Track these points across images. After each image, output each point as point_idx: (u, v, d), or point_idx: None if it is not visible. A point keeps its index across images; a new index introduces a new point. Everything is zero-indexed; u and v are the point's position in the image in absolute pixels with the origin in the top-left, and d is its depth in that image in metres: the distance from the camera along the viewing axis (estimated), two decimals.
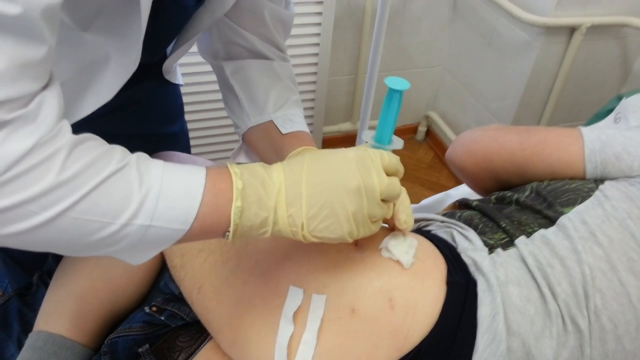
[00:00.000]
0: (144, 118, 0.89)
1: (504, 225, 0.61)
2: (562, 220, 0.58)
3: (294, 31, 0.92)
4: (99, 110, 0.63)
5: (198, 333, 0.66)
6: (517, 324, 0.53)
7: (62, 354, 0.66)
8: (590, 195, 0.60)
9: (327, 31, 1.70)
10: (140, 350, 0.65)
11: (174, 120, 0.98)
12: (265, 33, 0.77)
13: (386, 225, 0.60)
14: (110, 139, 0.45)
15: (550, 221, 0.59)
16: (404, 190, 0.54)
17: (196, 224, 0.44)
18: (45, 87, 0.40)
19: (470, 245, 0.59)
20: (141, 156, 0.45)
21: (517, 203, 0.65)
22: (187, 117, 1.03)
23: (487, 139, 0.73)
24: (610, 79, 1.76)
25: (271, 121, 0.76)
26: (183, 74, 1.00)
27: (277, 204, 0.47)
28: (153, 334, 0.67)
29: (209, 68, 0.84)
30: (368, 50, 1.54)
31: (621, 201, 0.58)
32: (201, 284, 0.64)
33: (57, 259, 0.79)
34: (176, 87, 0.94)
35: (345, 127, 2.11)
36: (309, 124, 1.96)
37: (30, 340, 0.67)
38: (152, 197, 0.42)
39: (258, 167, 0.49)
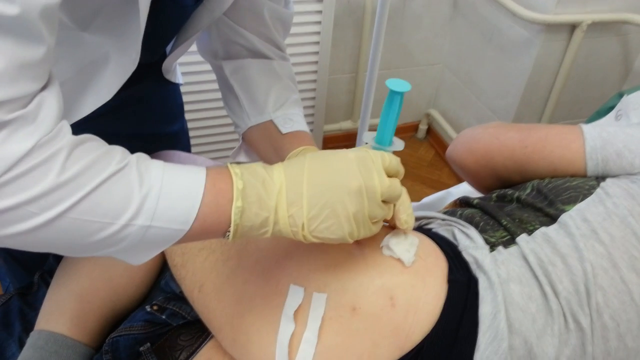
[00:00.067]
0: (144, 118, 0.89)
1: (505, 223, 0.61)
2: (564, 217, 0.58)
3: (294, 30, 0.92)
4: (99, 110, 0.63)
5: (199, 332, 0.66)
6: (518, 322, 0.52)
7: (64, 353, 0.66)
8: (591, 193, 0.60)
9: (327, 29, 1.70)
10: (141, 349, 0.65)
11: (174, 120, 0.98)
12: (265, 32, 0.77)
13: (387, 224, 0.60)
14: (110, 138, 0.45)
15: (552, 219, 0.59)
16: (404, 191, 0.54)
17: (196, 224, 0.44)
18: (44, 88, 0.40)
19: (471, 243, 0.59)
20: (141, 156, 0.45)
21: (518, 201, 0.65)
22: (187, 116, 1.03)
23: (488, 137, 0.73)
24: (612, 76, 1.76)
25: (271, 121, 0.76)
26: (183, 74, 1.00)
27: (278, 204, 0.47)
28: (154, 333, 0.67)
29: (209, 67, 0.84)
30: (368, 48, 1.53)
31: (622, 198, 0.58)
32: (202, 283, 0.64)
33: (58, 258, 0.79)
34: (176, 86, 0.94)
35: (345, 125, 2.11)
36: (310, 123, 1.96)
37: (31, 340, 0.67)
38: (153, 198, 0.42)
39: (259, 167, 0.49)
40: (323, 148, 1.83)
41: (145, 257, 0.46)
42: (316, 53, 1.76)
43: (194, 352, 0.64)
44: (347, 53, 1.89)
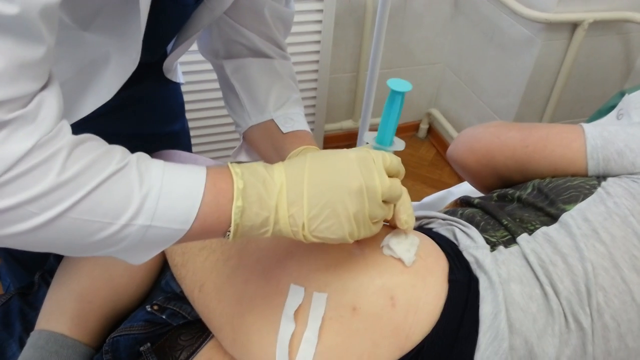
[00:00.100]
0: (145, 117, 0.89)
1: (505, 222, 0.61)
2: (564, 217, 0.58)
3: (294, 29, 0.92)
4: (99, 109, 0.63)
5: (199, 332, 0.66)
6: (519, 321, 0.52)
7: (64, 353, 0.66)
8: (592, 192, 0.60)
9: (328, 29, 1.70)
10: (141, 349, 0.65)
11: (174, 119, 0.98)
12: (266, 31, 0.77)
13: (387, 224, 0.59)
14: (111, 138, 0.45)
15: (552, 218, 0.59)
16: (405, 191, 0.54)
17: (197, 224, 0.44)
18: (44, 87, 0.40)
19: (472, 243, 0.58)
20: (141, 156, 0.45)
21: (519, 200, 0.65)
22: (188, 115, 1.03)
23: (489, 136, 0.73)
24: (613, 75, 1.75)
25: (272, 120, 0.76)
26: (184, 73, 1.00)
27: (278, 203, 0.47)
28: (154, 333, 0.67)
29: (209, 67, 0.84)
30: (369, 47, 1.53)
31: (623, 198, 0.58)
32: (202, 283, 0.64)
33: (58, 258, 0.79)
34: (177, 85, 0.94)
35: (346, 124, 2.11)
36: (310, 122, 1.96)
37: (31, 339, 0.67)
38: (153, 197, 0.42)
39: (259, 166, 0.49)
40: (324, 147, 1.83)
41: (145, 256, 0.46)
42: (317, 52, 1.76)
43: (194, 352, 0.64)
44: (348, 52, 1.89)
